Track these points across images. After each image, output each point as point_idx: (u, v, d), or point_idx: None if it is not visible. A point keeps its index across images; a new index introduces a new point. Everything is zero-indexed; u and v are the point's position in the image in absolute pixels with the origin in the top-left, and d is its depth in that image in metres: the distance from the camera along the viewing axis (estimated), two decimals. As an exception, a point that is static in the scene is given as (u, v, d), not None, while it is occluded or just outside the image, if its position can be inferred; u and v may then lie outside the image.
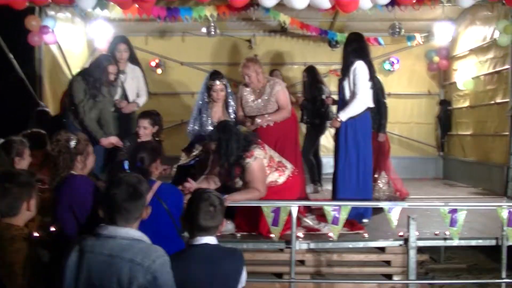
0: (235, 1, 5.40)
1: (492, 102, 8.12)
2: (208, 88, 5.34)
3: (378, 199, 6.44)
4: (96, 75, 5.49)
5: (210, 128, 5.34)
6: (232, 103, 5.42)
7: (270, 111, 5.32)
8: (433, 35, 9.45)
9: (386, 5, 5.94)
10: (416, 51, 9.89)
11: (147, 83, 6.62)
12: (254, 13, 7.38)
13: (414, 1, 5.66)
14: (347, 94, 5.49)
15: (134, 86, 6.35)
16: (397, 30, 8.14)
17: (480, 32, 8.57)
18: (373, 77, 5.45)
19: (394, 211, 4.28)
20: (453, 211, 4.32)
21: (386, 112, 6.66)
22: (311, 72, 8.10)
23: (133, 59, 6.48)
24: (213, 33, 7.89)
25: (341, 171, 5.42)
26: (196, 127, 5.45)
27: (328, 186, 7.73)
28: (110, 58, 5.75)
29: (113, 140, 5.51)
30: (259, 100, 5.38)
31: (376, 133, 6.53)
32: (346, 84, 5.49)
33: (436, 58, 9.83)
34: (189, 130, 5.54)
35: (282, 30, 9.42)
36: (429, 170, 9.98)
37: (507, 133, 7.61)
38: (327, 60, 9.93)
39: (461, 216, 4.32)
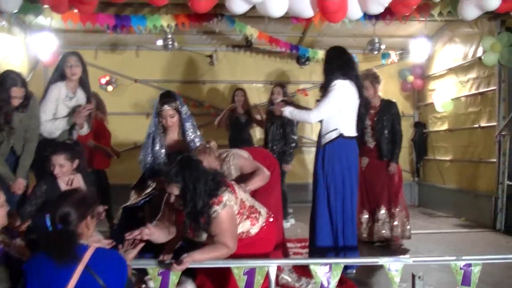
0: (197, 5, 4.47)
1: (476, 125, 7.48)
2: (158, 114, 4.45)
3: (379, 240, 5.81)
4: None
5: (164, 159, 4.45)
6: (190, 131, 4.49)
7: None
8: (408, 52, 8.83)
9: (370, 18, 5.21)
10: (389, 70, 9.22)
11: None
12: (217, 25, 6.53)
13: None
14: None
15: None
16: (377, 46, 7.41)
17: (460, 50, 7.96)
18: (363, 101, 4.67)
19: (395, 267, 3.44)
20: (467, 265, 3.52)
21: (401, 141, 6.00)
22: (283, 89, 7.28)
23: (85, 84, 5.09)
24: (170, 46, 6.94)
25: (319, 209, 4.58)
26: (149, 159, 4.53)
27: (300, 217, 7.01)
28: (16, 77, 4.51)
29: (19, 184, 4.49)
30: None
31: (388, 163, 5.85)
32: None
33: (410, 78, 9.21)
34: (139, 160, 4.62)
35: (247, 45, 8.59)
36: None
37: (494, 160, 6.97)
38: (294, 78, 9.27)
39: (475, 272, 3.53)
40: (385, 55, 8.68)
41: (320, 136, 4.70)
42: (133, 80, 8.86)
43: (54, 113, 4.84)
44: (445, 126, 8.50)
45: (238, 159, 4.22)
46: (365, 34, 7.65)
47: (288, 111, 4.70)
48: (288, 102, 5.10)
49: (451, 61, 8.23)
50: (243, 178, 4.10)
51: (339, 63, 4.61)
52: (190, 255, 3.15)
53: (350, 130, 4.66)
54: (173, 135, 4.57)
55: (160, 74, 8.91)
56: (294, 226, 6.97)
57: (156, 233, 3.45)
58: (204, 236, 3.41)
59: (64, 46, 8.10)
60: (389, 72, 9.22)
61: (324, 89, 4.69)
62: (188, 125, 4.56)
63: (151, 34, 7.52)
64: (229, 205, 3.34)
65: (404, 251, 5.63)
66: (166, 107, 4.41)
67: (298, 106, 5.08)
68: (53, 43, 7.74)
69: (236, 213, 3.43)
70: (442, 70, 8.52)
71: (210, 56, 8.91)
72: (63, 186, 4.11)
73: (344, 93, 4.54)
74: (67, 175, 4.14)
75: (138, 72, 8.87)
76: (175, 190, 3.32)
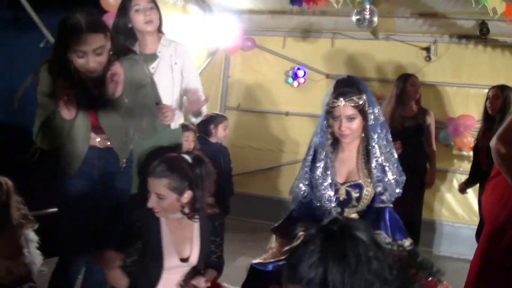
0: None
1: None
2: (328, 112, 2.69)
3: None
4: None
5: (329, 194, 2.66)
6: (377, 149, 2.65)
7: None
8: None
9: None
10: None
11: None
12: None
13: None
14: None
15: (171, 82, 3.35)
16: None
17: None
18: None
19: None
20: None
21: None
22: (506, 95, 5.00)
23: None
24: (365, 23, 5.04)
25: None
26: (302, 187, 2.79)
27: None
28: None
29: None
30: None
31: None
32: None
33: None
34: (290, 189, 2.92)
35: (481, 35, 6.26)
36: None
37: None
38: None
39: None
40: None
41: None
42: (324, 74, 7.19)
43: None
44: None
45: None
46: None
47: None
48: None
49: None
50: None
51: None
52: None
53: None
54: (349, 153, 2.77)
55: (357, 69, 7.07)
56: None
57: None
58: None
59: (248, 31, 7.03)
60: None
61: None
62: (376, 138, 2.71)
63: (350, 16, 5.80)
64: None
65: None
66: (341, 101, 2.63)
67: None
68: (236, 27, 6.76)
69: None
70: None
71: (427, 49, 6.80)
72: (165, 229, 2.64)
73: None
74: None
75: (331, 66, 7.18)
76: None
